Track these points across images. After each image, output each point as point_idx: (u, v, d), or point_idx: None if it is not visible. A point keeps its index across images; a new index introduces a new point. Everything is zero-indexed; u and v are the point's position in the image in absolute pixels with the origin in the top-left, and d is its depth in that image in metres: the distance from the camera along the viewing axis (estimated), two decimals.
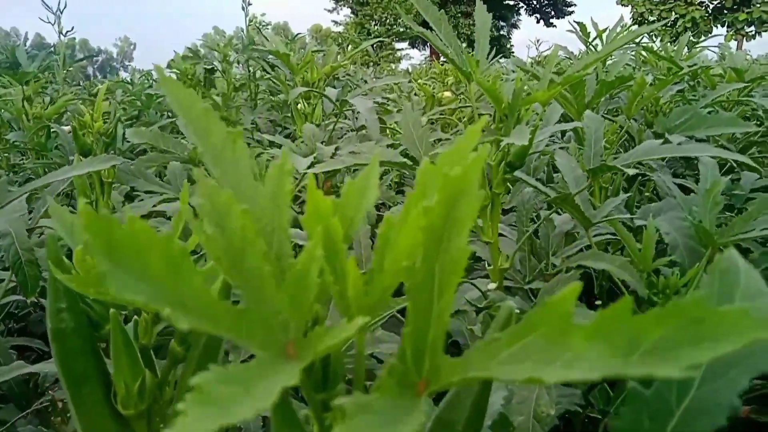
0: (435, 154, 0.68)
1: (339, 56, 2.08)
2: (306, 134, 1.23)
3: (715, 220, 0.80)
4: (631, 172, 0.61)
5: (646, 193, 1.64)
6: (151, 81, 3.55)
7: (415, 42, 32.93)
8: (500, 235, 1.05)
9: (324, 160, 1.18)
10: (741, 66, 1.83)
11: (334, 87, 2.74)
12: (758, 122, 2.18)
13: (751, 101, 1.74)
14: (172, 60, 2.50)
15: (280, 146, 1.37)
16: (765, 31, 23.91)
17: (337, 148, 1.24)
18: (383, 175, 1.37)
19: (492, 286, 0.78)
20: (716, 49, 2.82)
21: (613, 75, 1.61)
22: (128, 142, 1.38)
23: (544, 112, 1.36)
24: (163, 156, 1.27)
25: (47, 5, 3.71)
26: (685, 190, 1.54)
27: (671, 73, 2.06)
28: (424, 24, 0.89)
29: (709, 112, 1.85)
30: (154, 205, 1.04)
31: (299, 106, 1.68)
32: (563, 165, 0.83)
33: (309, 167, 1.07)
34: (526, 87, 1.03)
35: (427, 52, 30.69)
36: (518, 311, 0.30)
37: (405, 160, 0.68)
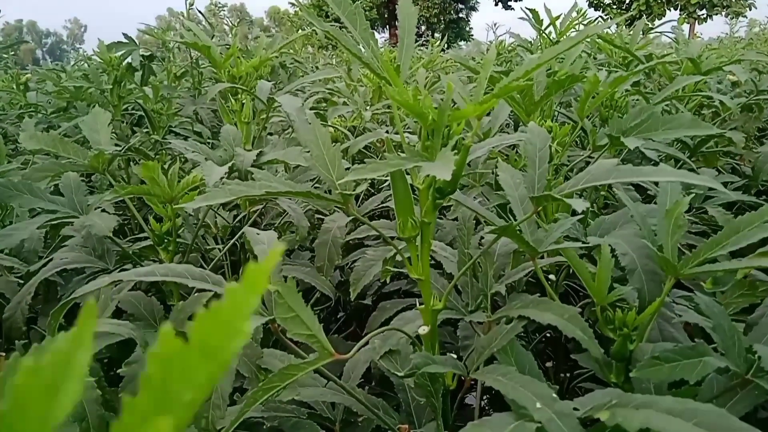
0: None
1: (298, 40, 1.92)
2: (224, 138, 1.08)
3: (677, 247, 0.69)
4: (580, 207, 0.50)
5: (602, 192, 1.54)
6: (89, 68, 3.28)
7: (375, 23, 32.52)
8: (443, 256, 0.94)
9: (243, 168, 1.04)
10: (698, 55, 1.75)
11: (278, 75, 2.57)
12: (714, 111, 2.11)
13: (708, 94, 1.67)
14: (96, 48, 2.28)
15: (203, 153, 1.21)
16: (716, 14, 24.38)
17: (260, 154, 1.10)
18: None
19: (424, 329, 0.66)
20: (671, 34, 2.75)
21: (566, 67, 1.50)
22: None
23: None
24: (61, 164, 1.11)
25: None
26: (643, 191, 1.46)
27: (626, 61, 1.97)
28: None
29: (667, 105, 1.77)
30: (40, 226, 0.89)
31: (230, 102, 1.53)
32: (506, 182, 0.71)
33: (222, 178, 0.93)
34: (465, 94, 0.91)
35: (386, 34, 30.34)
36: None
37: (309, 189, 0.55)
